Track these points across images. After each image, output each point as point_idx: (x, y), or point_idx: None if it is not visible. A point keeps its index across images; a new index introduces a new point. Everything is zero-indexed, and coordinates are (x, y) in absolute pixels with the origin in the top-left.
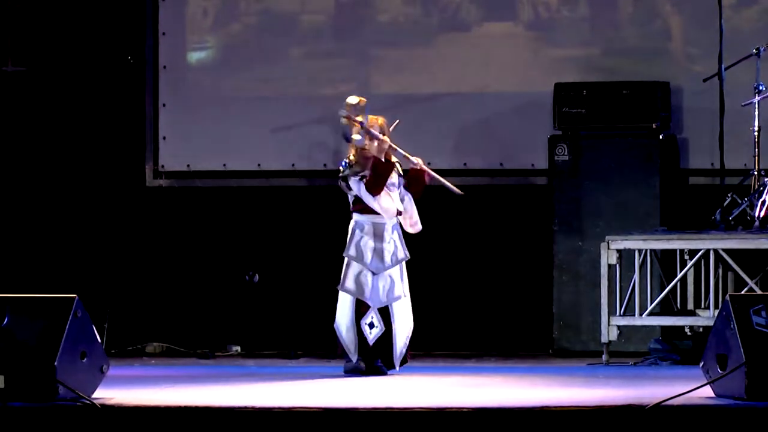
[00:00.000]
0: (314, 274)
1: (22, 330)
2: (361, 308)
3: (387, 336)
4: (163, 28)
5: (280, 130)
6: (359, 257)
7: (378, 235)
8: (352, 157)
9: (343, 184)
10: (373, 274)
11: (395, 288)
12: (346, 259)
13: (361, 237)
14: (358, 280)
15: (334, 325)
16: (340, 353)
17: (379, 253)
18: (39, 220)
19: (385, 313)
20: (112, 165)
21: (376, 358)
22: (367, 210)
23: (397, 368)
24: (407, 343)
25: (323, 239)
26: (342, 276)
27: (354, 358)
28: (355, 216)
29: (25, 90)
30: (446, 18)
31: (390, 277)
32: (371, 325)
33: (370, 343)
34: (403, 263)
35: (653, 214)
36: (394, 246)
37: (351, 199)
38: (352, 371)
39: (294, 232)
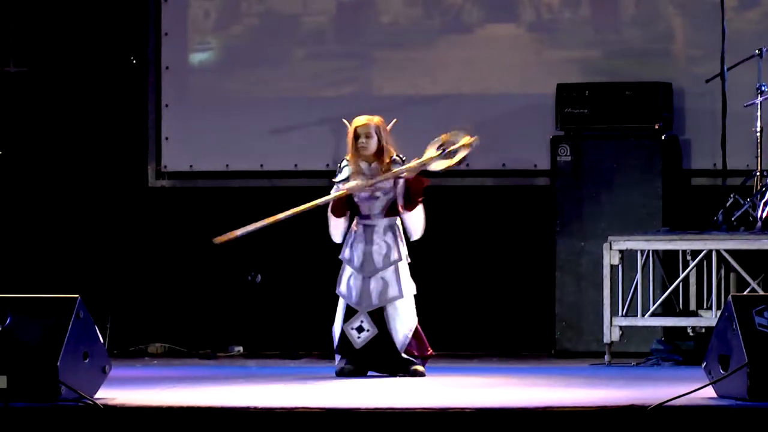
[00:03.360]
0: (316, 275)
1: (24, 330)
2: (351, 313)
3: (384, 338)
4: (166, 28)
5: (282, 130)
6: (350, 260)
7: (368, 237)
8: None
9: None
10: (365, 277)
11: (389, 289)
12: (343, 262)
13: (354, 239)
14: (348, 283)
15: (332, 328)
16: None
17: (368, 255)
18: (41, 220)
19: (380, 316)
20: (114, 165)
21: (370, 362)
22: (357, 212)
23: (402, 357)
24: (408, 341)
25: (325, 240)
26: (338, 278)
27: (337, 360)
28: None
29: (27, 90)
30: (448, 19)
31: (383, 279)
32: (360, 329)
33: (357, 346)
34: (401, 264)
35: (655, 215)
36: (386, 247)
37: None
38: (339, 372)
39: (296, 233)
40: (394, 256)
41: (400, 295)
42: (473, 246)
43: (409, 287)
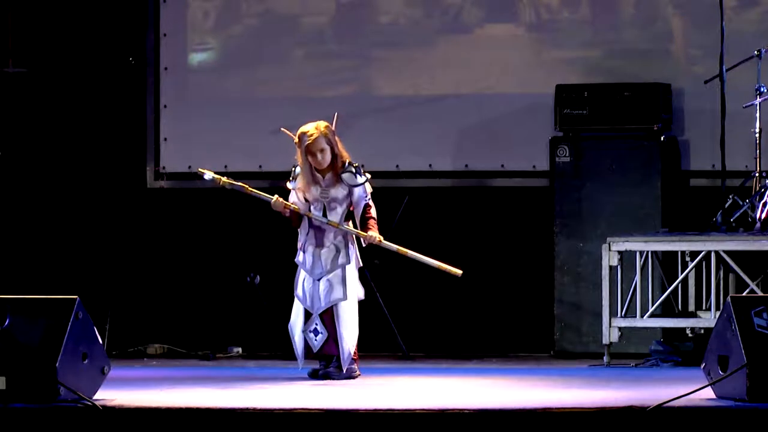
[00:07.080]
0: None
1: (23, 331)
2: (308, 316)
3: (335, 339)
4: (165, 29)
5: (281, 131)
6: (303, 263)
7: (318, 239)
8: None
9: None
10: (314, 280)
11: (333, 291)
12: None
13: (306, 242)
14: (303, 286)
15: (288, 326)
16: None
17: (317, 258)
18: (40, 221)
19: (331, 319)
20: (113, 166)
21: (325, 364)
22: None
23: (344, 371)
24: (353, 347)
25: None
26: (294, 281)
27: (301, 362)
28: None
29: (26, 91)
30: (447, 20)
31: (329, 281)
32: (315, 332)
33: (315, 349)
34: (349, 268)
35: (654, 216)
36: (335, 250)
37: None
38: (312, 375)
39: (295, 234)
40: (342, 259)
41: (344, 298)
42: (472, 247)
43: (354, 292)
